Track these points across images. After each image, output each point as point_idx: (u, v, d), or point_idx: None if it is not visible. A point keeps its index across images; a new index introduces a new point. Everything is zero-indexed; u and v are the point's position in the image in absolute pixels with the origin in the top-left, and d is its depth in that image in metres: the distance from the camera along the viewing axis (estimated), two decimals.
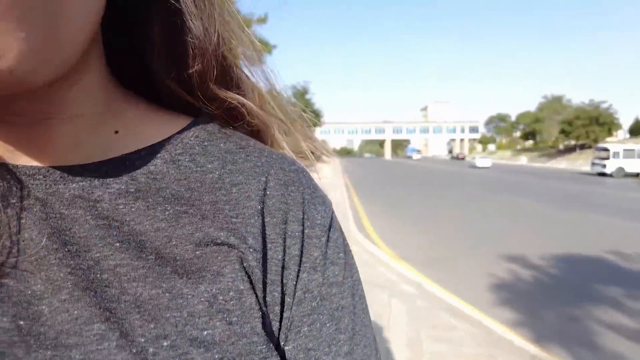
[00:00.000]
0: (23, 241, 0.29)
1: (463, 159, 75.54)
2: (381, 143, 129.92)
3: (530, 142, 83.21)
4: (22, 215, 0.29)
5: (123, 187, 0.32)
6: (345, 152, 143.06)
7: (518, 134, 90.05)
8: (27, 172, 0.30)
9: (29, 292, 0.28)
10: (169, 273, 0.30)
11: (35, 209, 0.30)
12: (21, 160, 0.31)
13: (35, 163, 0.31)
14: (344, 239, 0.38)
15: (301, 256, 0.34)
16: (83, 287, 0.28)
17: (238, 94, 0.38)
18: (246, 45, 0.39)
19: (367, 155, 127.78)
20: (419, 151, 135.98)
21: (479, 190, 18.13)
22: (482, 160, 42.90)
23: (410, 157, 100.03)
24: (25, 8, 0.22)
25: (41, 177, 0.31)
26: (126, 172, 0.32)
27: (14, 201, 0.30)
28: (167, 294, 0.29)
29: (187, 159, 0.34)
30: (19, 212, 0.30)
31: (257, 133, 0.40)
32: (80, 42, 0.26)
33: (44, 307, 0.28)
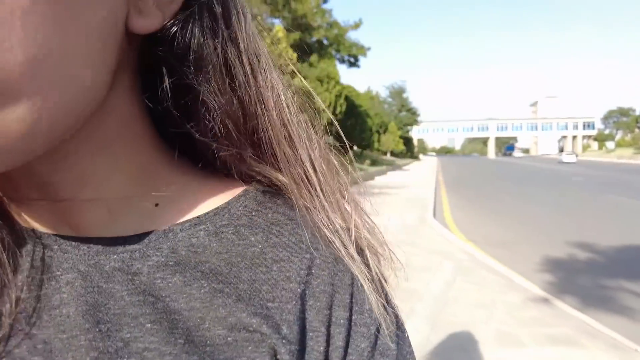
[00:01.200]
0: (60, 317, 0.29)
1: (576, 157, 70.36)
2: (485, 141, 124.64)
3: None
4: (64, 290, 0.30)
5: (162, 259, 0.31)
6: (445, 151, 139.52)
7: None
8: (72, 243, 0.31)
9: None
10: None
11: (76, 284, 0.30)
12: (65, 231, 0.32)
13: (79, 234, 0.32)
14: (400, 326, 0.35)
15: (347, 347, 0.32)
16: None
17: (282, 168, 0.35)
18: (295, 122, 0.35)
19: (474, 154, 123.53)
20: (527, 150, 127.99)
21: (573, 188, 17.80)
22: (568, 157, 54.22)
23: (509, 155, 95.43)
24: None
25: (85, 248, 0.31)
26: (167, 245, 0.32)
27: (58, 273, 0.30)
28: None
29: (230, 231, 0.33)
30: (62, 286, 0.30)
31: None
32: (63, 124, 0.25)
33: None
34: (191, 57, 0.31)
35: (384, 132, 51.82)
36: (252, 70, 0.33)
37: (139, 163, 0.33)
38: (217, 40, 0.31)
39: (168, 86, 0.31)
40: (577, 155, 74.27)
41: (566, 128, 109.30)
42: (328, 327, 0.32)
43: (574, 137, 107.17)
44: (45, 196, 0.31)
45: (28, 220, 0.32)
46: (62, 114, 0.25)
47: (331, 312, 0.32)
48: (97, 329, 0.29)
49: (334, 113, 24.76)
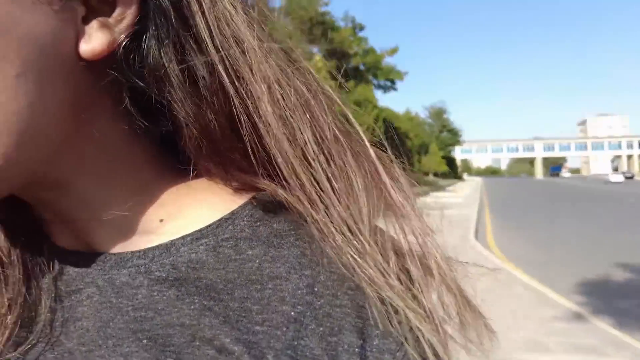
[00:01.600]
0: (81, 329, 0.31)
1: (631, 177, 67.27)
2: (532, 161, 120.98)
3: None
4: (85, 303, 0.32)
5: (164, 275, 0.32)
6: (490, 172, 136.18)
7: None
8: (91, 259, 0.33)
9: None
10: None
11: (94, 298, 0.32)
12: (85, 248, 0.34)
13: (96, 250, 0.34)
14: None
15: None
16: None
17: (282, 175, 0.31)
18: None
19: (523, 175, 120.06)
20: (577, 170, 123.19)
21: (620, 209, 17.31)
22: (615, 176, 56.78)
23: (556, 175, 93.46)
24: None
25: (101, 263, 0.33)
26: (169, 260, 0.32)
27: (81, 286, 0.33)
28: None
29: (229, 245, 0.32)
30: (84, 299, 0.32)
31: None
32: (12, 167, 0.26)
33: None
34: (146, 70, 0.29)
35: (425, 153, 51.57)
36: (232, 68, 0.29)
37: (141, 181, 0.33)
38: (167, 42, 0.29)
39: (129, 105, 0.30)
40: (633, 176, 70.97)
41: (620, 147, 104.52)
42: (335, 356, 0.28)
43: (629, 157, 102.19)
44: (57, 218, 0.34)
45: (58, 239, 0.35)
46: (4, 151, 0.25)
47: (338, 338, 0.29)
48: (105, 345, 0.31)
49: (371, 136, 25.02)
